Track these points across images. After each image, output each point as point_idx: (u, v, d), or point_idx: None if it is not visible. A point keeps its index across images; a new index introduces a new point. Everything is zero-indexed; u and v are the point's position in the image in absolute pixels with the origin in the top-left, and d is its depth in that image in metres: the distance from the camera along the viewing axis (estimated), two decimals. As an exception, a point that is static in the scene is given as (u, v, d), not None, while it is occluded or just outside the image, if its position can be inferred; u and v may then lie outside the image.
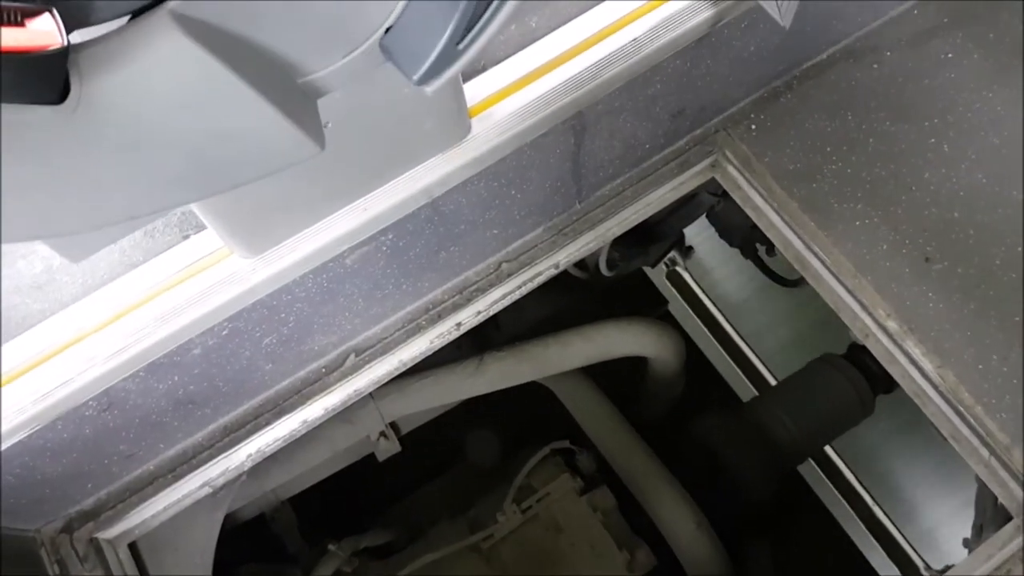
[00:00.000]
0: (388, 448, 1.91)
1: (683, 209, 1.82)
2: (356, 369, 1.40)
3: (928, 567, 2.21)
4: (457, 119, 1.08)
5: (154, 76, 0.65)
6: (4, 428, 1.09)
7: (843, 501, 2.33)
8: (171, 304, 1.11)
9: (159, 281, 1.13)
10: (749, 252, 2.06)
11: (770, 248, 2.03)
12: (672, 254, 2.25)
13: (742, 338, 2.43)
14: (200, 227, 1.15)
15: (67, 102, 0.61)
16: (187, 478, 1.36)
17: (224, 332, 1.18)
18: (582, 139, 1.26)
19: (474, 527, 1.94)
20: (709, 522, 1.92)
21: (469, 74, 1.15)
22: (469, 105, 1.10)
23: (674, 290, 2.45)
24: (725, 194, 1.54)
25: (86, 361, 1.10)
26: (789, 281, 2.13)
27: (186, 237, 1.16)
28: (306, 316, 1.26)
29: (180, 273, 1.13)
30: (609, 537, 1.89)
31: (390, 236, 1.20)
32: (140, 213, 0.73)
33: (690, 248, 2.28)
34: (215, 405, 1.34)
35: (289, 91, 0.74)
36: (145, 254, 1.15)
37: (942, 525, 2.29)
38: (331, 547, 1.87)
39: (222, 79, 0.66)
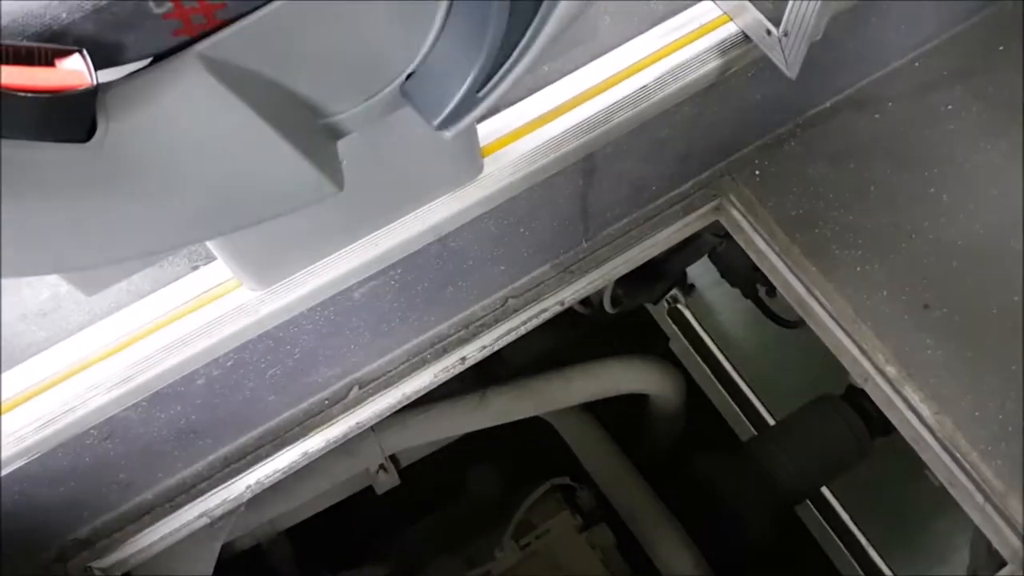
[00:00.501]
0: (387, 481, 1.89)
1: (686, 249, 1.84)
2: (359, 402, 1.40)
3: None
4: (470, 159, 1.10)
5: (180, 116, 0.66)
6: (4, 455, 1.08)
7: (839, 542, 2.31)
8: (177, 334, 1.11)
9: (166, 311, 1.13)
10: (750, 292, 2.08)
11: (770, 289, 2.04)
12: (674, 292, 2.27)
13: (741, 376, 2.43)
14: (209, 258, 1.16)
15: (93, 140, 0.62)
16: (185, 508, 1.36)
17: (229, 363, 1.18)
18: (591, 180, 1.28)
19: (472, 563, 1.92)
20: (707, 561, 1.91)
21: (482, 115, 1.17)
22: (482, 145, 1.12)
23: (675, 327, 2.46)
24: (727, 235, 1.56)
25: (90, 389, 1.09)
26: (789, 322, 2.14)
27: (195, 268, 1.17)
28: (311, 348, 1.26)
29: (188, 304, 1.13)
30: (608, 575, 1.88)
31: (399, 271, 1.21)
32: (158, 250, 0.74)
33: (692, 286, 2.30)
34: (216, 435, 1.34)
35: (310, 133, 0.75)
36: (153, 284, 1.16)
37: (937, 569, 2.28)
38: (326, 580, 1.86)
39: (246, 121, 0.68)
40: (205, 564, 1.45)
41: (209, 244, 1.00)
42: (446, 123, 0.73)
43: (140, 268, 1.07)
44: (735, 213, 1.47)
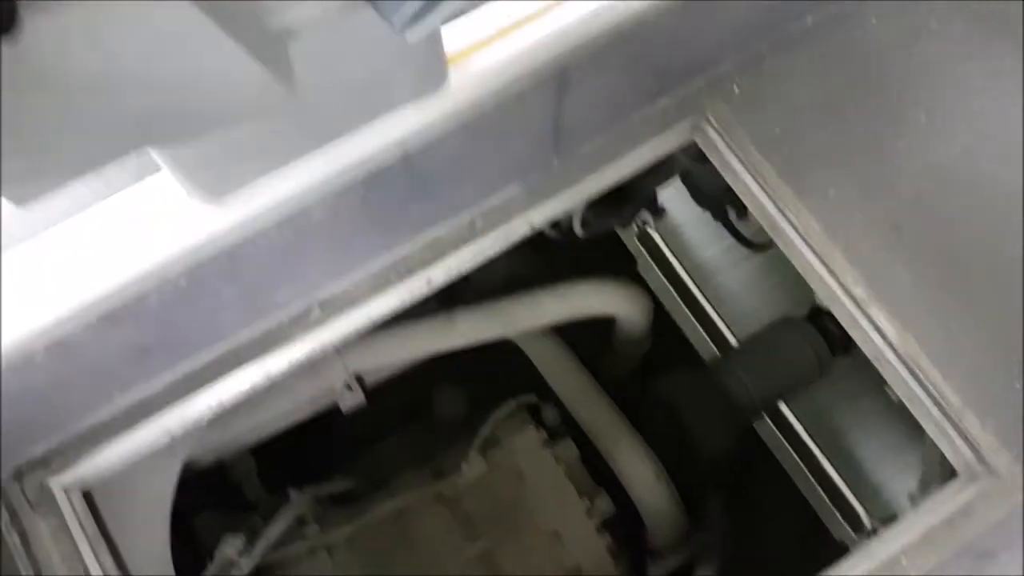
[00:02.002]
0: (353, 400, 1.88)
1: (658, 169, 1.80)
2: (321, 322, 1.37)
3: (871, 517, 2.30)
4: (434, 67, 1.03)
5: (116, 12, 0.60)
6: (-51, 375, 1.04)
7: (795, 456, 2.39)
8: (126, 251, 1.06)
9: (112, 226, 1.08)
10: (719, 215, 2.06)
11: (741, 211, 2.02)
12: (644, 215, 2.24)
13: (707, 299, 2.45)
14: (156, 168, 1.10)
15: (15, 34, 0.56)
16: (144, 427, 1.33)
17: (183, 282, 1.13)
18: (564, 94, 1.22)
19: (438, 476, 1.95)
20: (668, 474, 1.96)
21: (447, 18, 1.09)
22: (447, 54, 1.05)
23: (644, 251, 2.45)
24: (700, 156, 1.52)
25: (35, 309, 1.05)
26: (757, 244, 2.14)
27: (141, 179, 1.11)
28: (270, 267, 1.22)
29: (136, 218, 1.08)
30: (570, 485, 1.92)
31: (360, 188, 1.16)
32: (97, 161, 0.68)
33: (662, 209, 2.27)
34: (173, 356, 1.30)
35: (259, 32, 0.69)
36: (97, 196, 1.10)
37: (888, 480, 2.38)
38: (292, 493, 1.86)
39: (189, 17, 0.61)
40: (166, 480, 1.44)
41: (153, 152, 0.94)
42: (407, 25, 0.67)
43: (77, 176, 1.01)
44: (711, 132, 1.44)
